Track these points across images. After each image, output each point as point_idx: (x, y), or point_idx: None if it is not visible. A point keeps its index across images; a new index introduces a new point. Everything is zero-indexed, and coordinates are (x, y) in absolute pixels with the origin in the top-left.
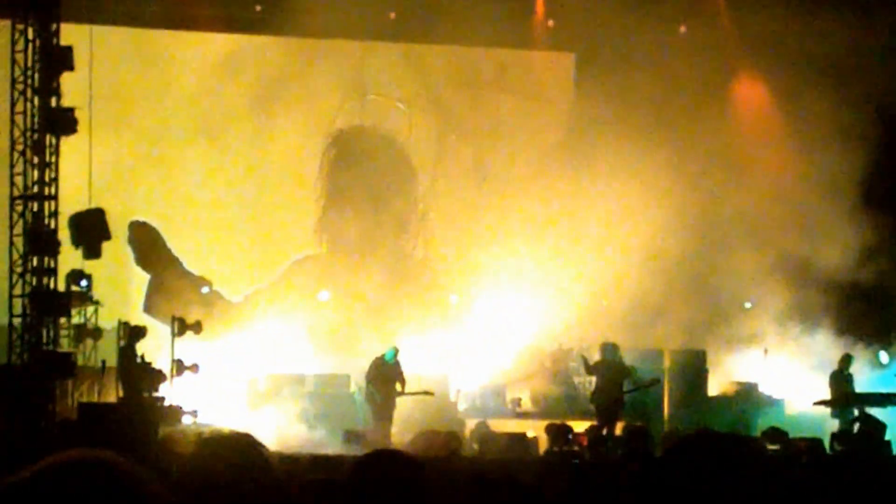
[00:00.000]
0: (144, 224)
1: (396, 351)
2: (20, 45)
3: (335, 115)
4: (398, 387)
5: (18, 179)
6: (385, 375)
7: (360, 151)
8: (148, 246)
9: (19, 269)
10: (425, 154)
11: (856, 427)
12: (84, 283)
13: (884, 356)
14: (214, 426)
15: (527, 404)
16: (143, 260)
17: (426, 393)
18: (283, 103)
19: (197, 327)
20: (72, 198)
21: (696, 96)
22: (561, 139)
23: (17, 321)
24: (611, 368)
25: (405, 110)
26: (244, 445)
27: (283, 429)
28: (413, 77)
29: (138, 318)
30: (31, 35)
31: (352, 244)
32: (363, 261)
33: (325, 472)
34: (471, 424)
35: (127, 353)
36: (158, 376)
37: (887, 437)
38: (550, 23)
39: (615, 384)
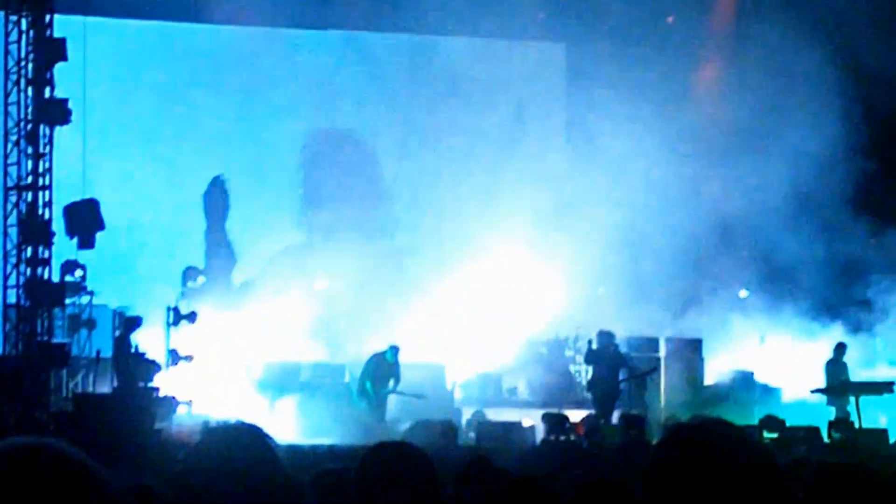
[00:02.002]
0: None
1: (397, 350)
2: (14, 36)
3: (313, 118)
4: (391, 383)
5: (12, 170)
6: (382, 373)
7: (334, 150)
8: None
9: (13, 260)
10: (389, 154)
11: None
12: (78, 272)
13: (879, 343)
14: (219, 417)
15: (523, 393)
16: None
17: (419, 396)
18: (271, 95)
19: (192, 317)
20: (66, 188)
21: (686, 81)
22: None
23: (11, 311)
24: (607, 357)
25: (372, 116)
26: (253, 436)
27: (279, 418)
28: (378, 87)
29: (133, 308)
30: (24, 26)
31: (328, 232)
32: (340, 246)
33: (328, 463)
34: (467, 413)
35: (122, 343)
36: (153, 367)
37: (885, 426)
38: (541, 15)
39: (611, 372)
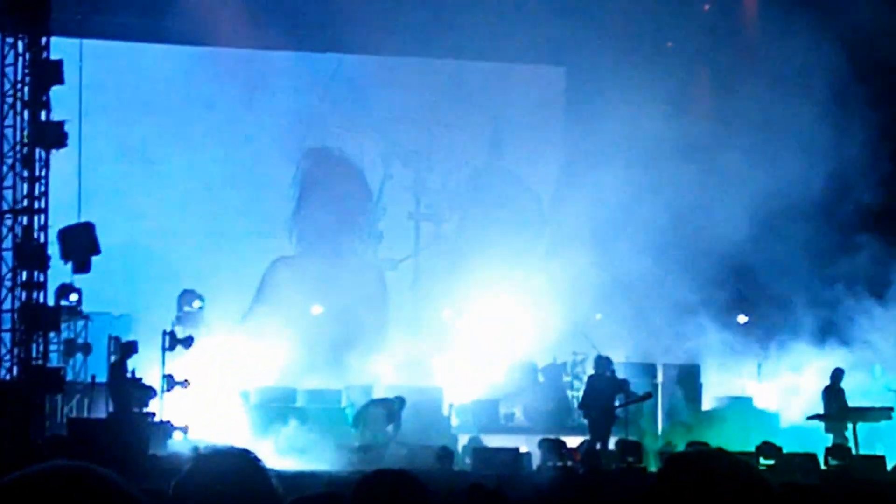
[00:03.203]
0: None
1: (404, 403)
2: (10, 59)
3: (303, 137)
4: (390, 428)
5: (8, 193)
6: (384, 417)
7: (329, 167)
8: None
9: (8, 284)
10: (373, 175)
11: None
12: (74, 297)
13: (878, 369)
14: (211, 442)
15: (520, 419)
16: None
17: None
18: (263, 116)
19: (187, 342)
20: (61, 211)
21: (687, 101)
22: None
23: (6, 336)
24: (604, 382)
25: (358, 140)
26: (244, 461)
27: (274, 444)
28: (364, 114)
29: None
30: (21, 48)
31: (317, 244)
32: (329, 259)
33: (322, 489)
34: (463, 439)
35: (117, 368)
36: (148, 392)
37: (882, 452)
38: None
39: (608, 398)
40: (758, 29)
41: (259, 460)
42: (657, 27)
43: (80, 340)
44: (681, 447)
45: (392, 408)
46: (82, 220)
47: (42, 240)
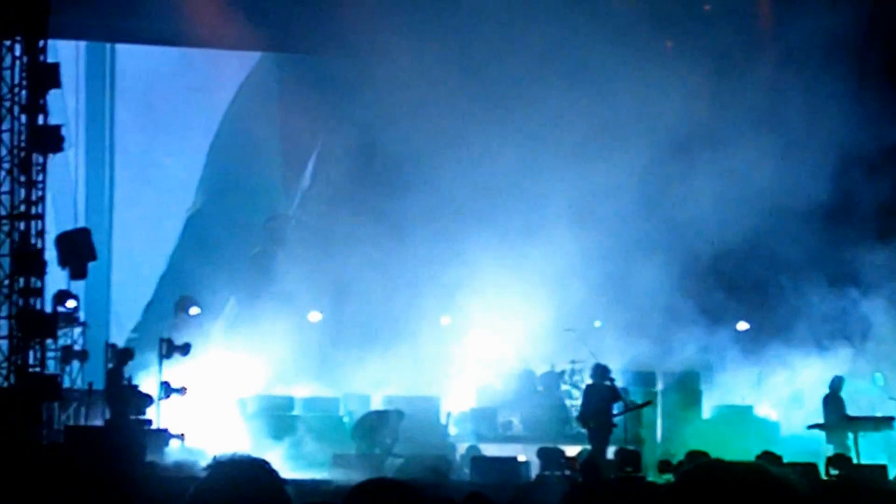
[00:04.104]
0: None
1: (403, 416)
2: (7, 62)
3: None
4: (388, 441)
5: (5, 198)
6: (382, 430)
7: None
8: None
9: (5, 290)
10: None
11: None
12: (71, 303)
13: (879, 377)
14: (226, 450)
15: (518, 428)
16: None
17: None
18: (259, 118)
19: (185, 349)
20: (58, 217)
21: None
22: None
23: (3, 342)
24: (601, 391)
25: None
26: (260, 470)
27: (271, 452)
28: (353, 113)
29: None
30: (18, 52)
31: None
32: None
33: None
34: (462, 448)
35: (114, 375)
36: (145, 399)
37: (883, 462)
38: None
39: (606, 406)
40: (761, 23)
41: (275, 470)
42: (658, 25)
43: (78, 347)
44: (680, 456)
45: (390, 421)
46: (80, 225)
47: (39, 246)
